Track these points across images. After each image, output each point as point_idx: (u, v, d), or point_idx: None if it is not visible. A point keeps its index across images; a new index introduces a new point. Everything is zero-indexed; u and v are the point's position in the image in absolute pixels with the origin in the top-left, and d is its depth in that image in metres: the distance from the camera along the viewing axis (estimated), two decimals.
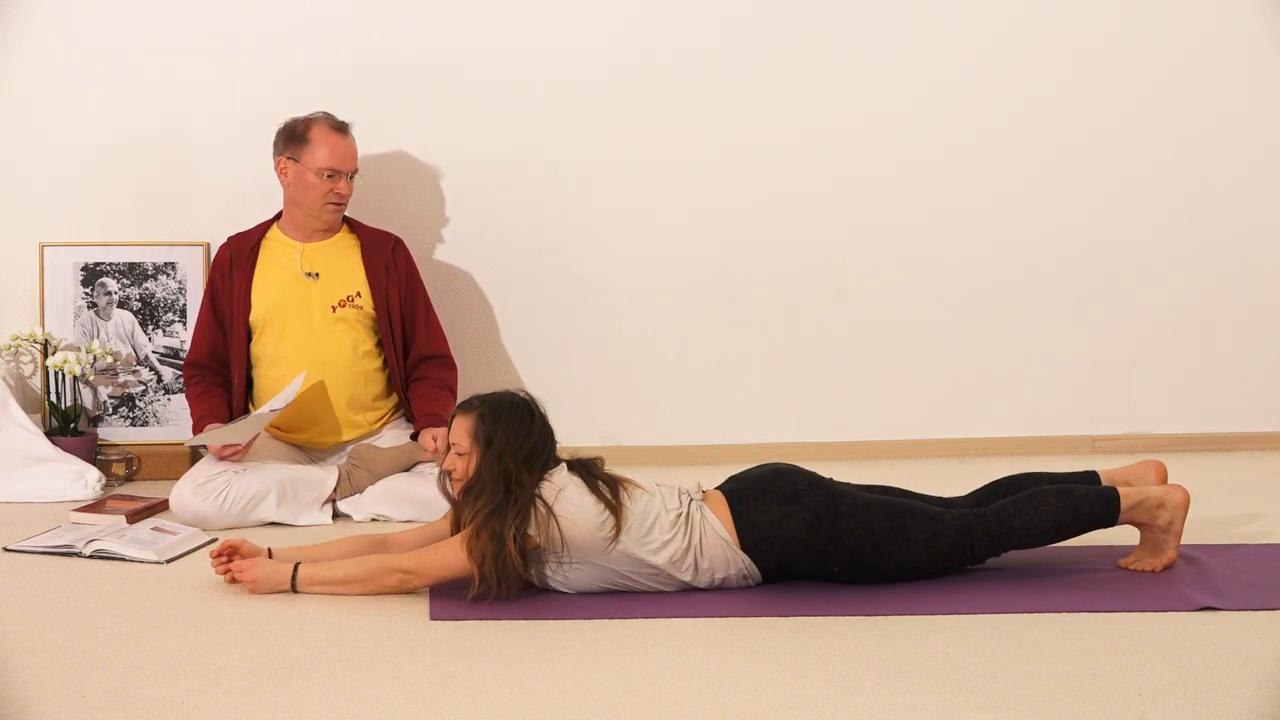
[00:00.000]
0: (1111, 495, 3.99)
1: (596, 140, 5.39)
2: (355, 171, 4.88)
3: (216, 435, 4.64)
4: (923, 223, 5.51)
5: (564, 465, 3.89)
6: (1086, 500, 3.98)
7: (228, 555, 3.96)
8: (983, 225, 5.52)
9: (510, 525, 3.74)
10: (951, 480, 5.02)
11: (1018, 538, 3.97)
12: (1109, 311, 5.58)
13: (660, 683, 3.32)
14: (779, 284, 5.49)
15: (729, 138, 5.43)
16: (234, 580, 3.94)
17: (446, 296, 5.30)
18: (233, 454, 4.64)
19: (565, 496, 3.80)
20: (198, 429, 4.78)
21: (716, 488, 3.98)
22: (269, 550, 4.00)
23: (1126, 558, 4.11)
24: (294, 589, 3.89)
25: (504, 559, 3.74)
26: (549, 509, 3.77)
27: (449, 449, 3.92)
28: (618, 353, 5.47)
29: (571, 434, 5.26)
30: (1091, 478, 4.18)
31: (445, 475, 3.95)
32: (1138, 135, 5.53)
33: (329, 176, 4.81)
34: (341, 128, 4.85)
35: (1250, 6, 5.48)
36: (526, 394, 3.94)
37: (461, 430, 3.88)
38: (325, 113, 4.87)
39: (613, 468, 3.97)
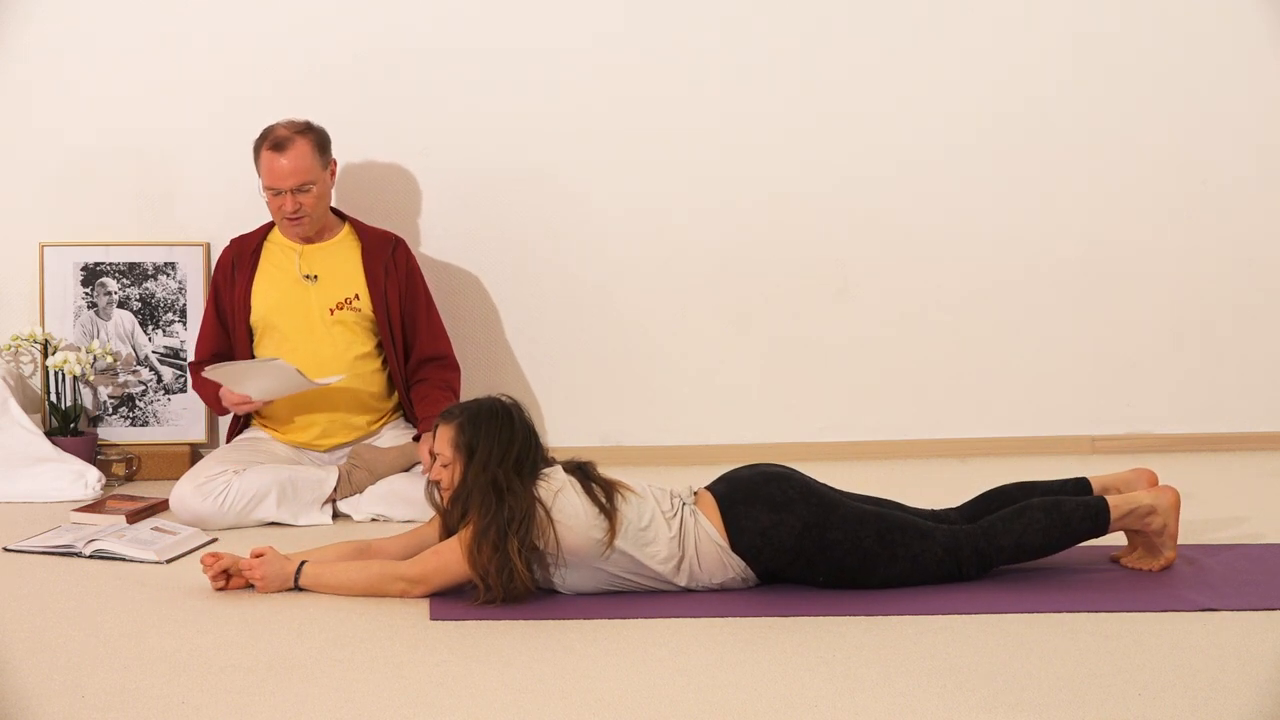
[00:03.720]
0: (1100, 506, 3.98)
1: (597, 140, 5.39)
2: (304, 185, 4.75)
3: (228, 372, 4.62)
4: (922, 222, 5.51)
5: (559, 466, 3.88)
6: (1076, 514, 3.97)
7: (223, 574, 3.94)
8: (983, 225, 5.52)
9: (513, 538, 3.73)
10: (951, 480, 5.03)
11: (1007, 554, 3.96)
12: (1109, 311, 5.58)
13: (660, 683, 3.32)
14: (779, 284, 5.49)
15: (729, 138, 5.43)
16: (224, 589, 3.93)
17: (447, 297, 5.30)
18: (245, 405, 4.64)
19: (562, 499, 3.79)
20: (216, 395, 4.75)
21: (706, 487, 3.98)
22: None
23: (1124, 555, 4.11)
24: (297, 585, 3.89)
25: (510, 571, 3.73)
26: (547, 512, 3.77)
27: (434, 458, 3.91)
28: (618, 353, 5.47)
29: (571, 434, 5.30)
30: (1083, 485, 4.17)
31: (433, 485, 3.94)
32: (1138, 135, 5.53)
33: (275, 194, 4.79)
34: (279, 144, 4.73)
35: (1250, 5, 5.48)
36: (508, 398, 3.92)
37: (444, 440, 3.87)
38: (278, 124, 4.78)
39: (612, 469, 3.96)
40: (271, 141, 4.76)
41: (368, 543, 4.07)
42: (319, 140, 4.81)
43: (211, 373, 4.66)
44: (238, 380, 4.63)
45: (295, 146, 4.74)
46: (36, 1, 5.20)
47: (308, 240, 4.89)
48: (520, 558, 3.73)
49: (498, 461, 3.79)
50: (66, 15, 5.22)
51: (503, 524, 3.73)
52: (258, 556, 3.93)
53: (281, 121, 4.81)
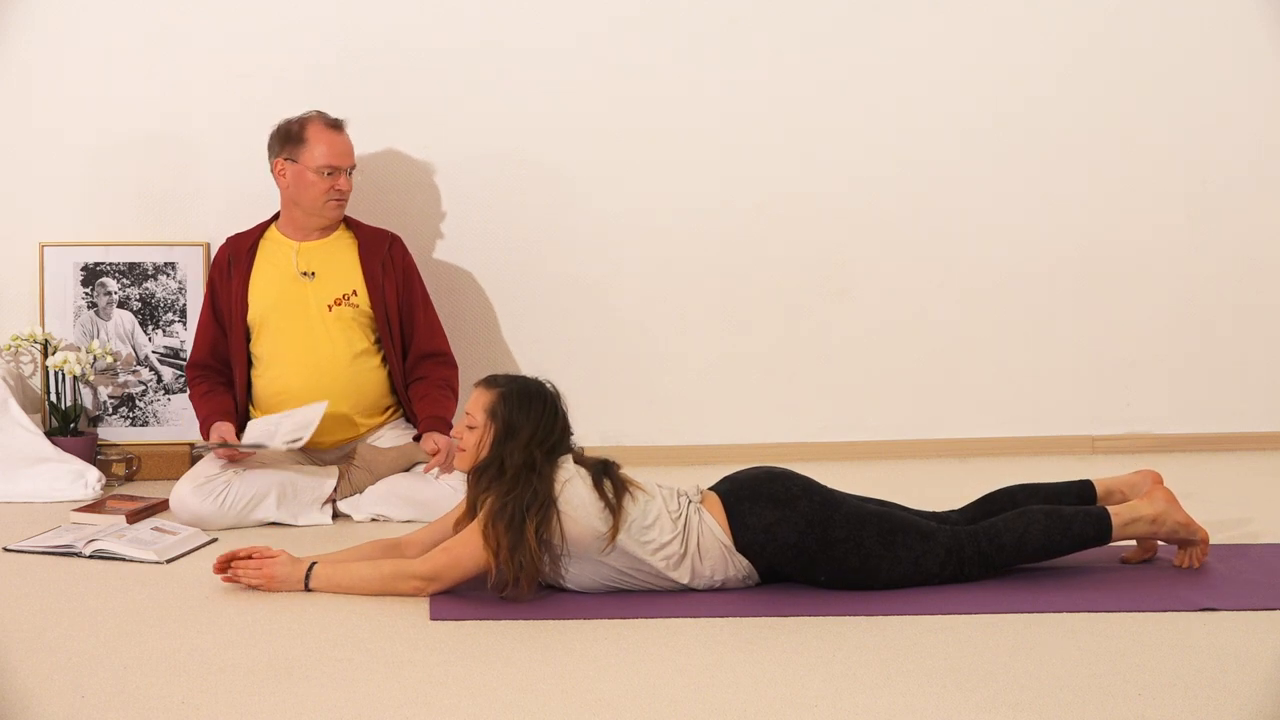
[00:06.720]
0: (1102, 515, 3.99)
1: (596, 140, 5.40)
2: (353, 167, 4.89)
3: (259, 431, 4.64)
4: (922, 222, 5.51)
5: (570, 457, 3.88)
6: (1077, 518, 3.97)
7: (229, 561, 3.93)
8: (983, 225, 5.53)
9: (531, 519, 3.74)
10: (951, 480, 5.03)
11: (1008, 555, 3.97)
12: (1109, 311, 5.58)
13: (660, 683, 3.32)
14: (779, 284, 5.49)
15: (729, 138, 5.43)
16: (233, 580, 3.93)
17: (446, 296, 5.30)
18: (233, 458, 4.64)
19: (569, 490, 3.80)
20: (204, 427, 4.78)
21: (710, 488, 3.98)
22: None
23: (1177, 557, 4.12)
24: (306, 587, 3.89)
25: (523, 552, 3.73)
26: (553, 501, 3.77)
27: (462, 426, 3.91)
28: (617, 352, 5.48)
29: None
30: (1087, 487, 4.18)
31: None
32: (1138, 135, 5.53)
33: (329, 174, 4.82)
34: (336, 125, 4.86)
35: (1250, 6, 5.48)
36: (550, 383, 3.93)
37: (479, 404, 3.87)
38: (318, 111, 4.88)
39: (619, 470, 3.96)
40: (327, 120, 4.87)
41: (396, 540, 4.07)
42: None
43: (248, 437, 4.66)
44: (268, 435, 4.63)
45: (345, 131, 4.87)
46: (37, 1, 5.21)
47: (315, 235, 4.91)
48: (537, 540, 3.73)
49: (539, 444, 3.80)
50: (67, 15, 5.22)
51: (523, 505, 3.74)
52: (268, 559, 3.91)
53: (308, 112, 4.88)
